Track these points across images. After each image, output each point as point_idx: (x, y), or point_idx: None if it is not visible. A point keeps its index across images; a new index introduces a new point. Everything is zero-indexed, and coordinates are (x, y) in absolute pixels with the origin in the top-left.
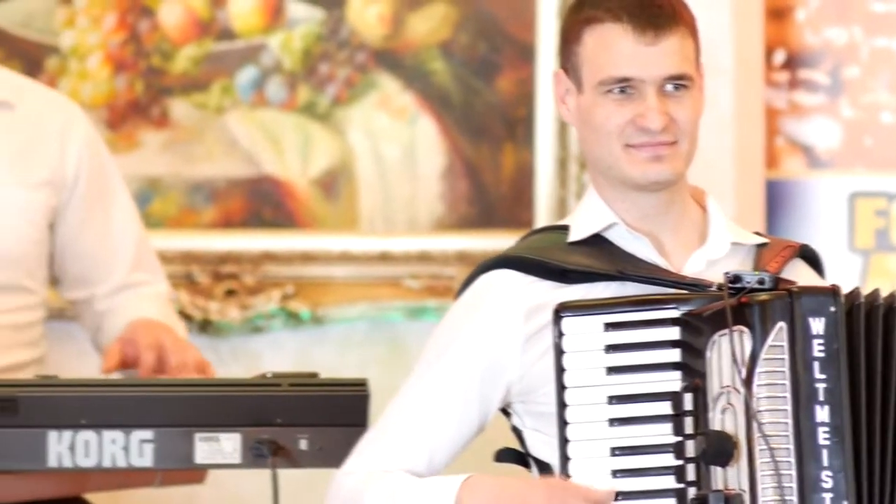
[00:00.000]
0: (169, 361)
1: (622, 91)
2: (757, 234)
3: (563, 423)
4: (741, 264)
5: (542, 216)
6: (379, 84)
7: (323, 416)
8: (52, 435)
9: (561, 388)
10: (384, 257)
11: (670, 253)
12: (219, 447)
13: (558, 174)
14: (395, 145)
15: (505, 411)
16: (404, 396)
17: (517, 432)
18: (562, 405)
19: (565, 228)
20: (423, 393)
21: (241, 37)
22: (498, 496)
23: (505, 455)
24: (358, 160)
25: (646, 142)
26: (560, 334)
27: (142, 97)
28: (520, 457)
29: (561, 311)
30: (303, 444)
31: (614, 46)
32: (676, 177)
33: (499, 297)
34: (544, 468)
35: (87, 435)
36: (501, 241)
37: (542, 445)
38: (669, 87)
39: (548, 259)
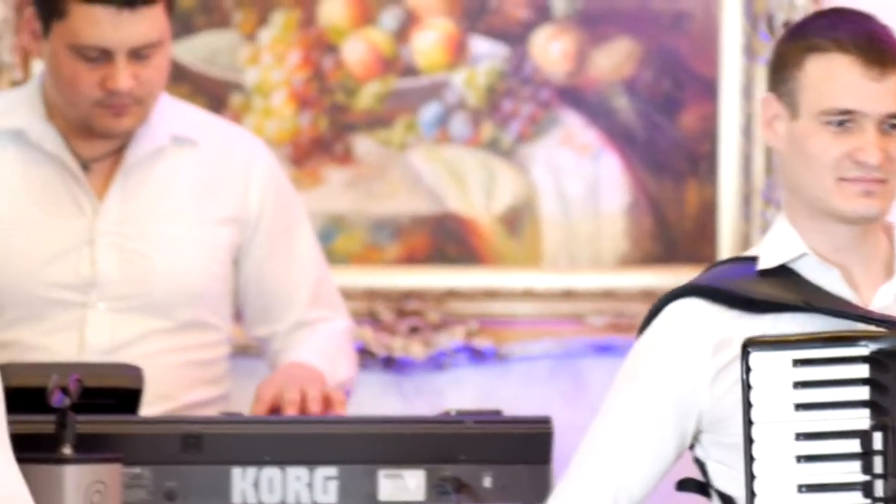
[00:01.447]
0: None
1: (841, 124)
2: None
3: (749, 459)
4: None
5: (726, 252)
6: (562, 120)
7: (507, 454)
8: (237, 471)
9: (748, 423)
10: (568, 294)
11: (859, 286)
12: (403, 484)
13: (742, 210)
14: (579, 181)
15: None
16: (598, 432)
17: (700, 463)
18: (749, 440)
19: (752, 259)
20: (617, 427)
21: (424, 73)
22: None
23: (687, 485)
24: (541, 196)
25: (860, 176)
26: (748, 369)
27: (325, 134)
28: (701, 487)
29: (749, 346)
30: (486, 482)
31: (840, 78)
32: (882, 214)
33: (687, 327)
34: (727, 501)
35: (271, 472)
36: (685, 277)
37: (726, 478)
38: (887, 125)
39: (735, 289)
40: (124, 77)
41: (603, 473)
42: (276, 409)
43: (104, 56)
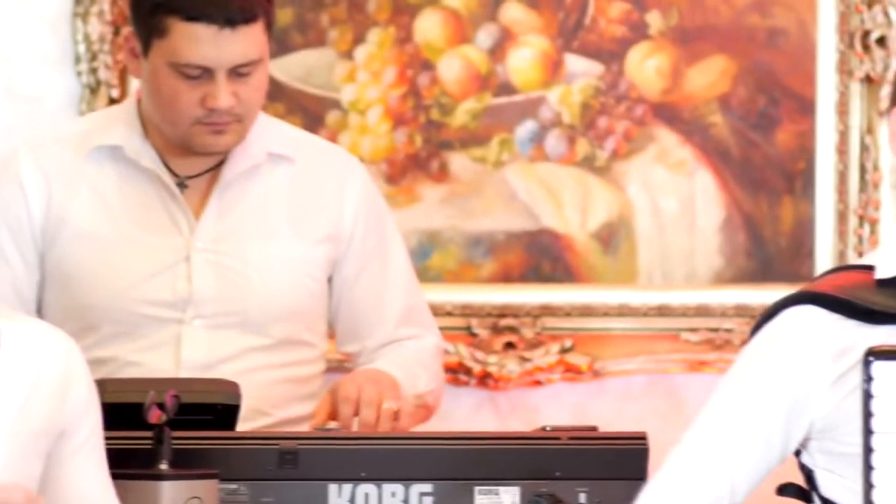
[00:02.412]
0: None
1: None
2: None
3: (868, 468)
4: None
5: (821, 270)
6: (657, 137)
7: (602, 470)
8: (332, 488)
9: (868, 432)
10: (662, 310)
11: None
12: (498, 500)
13: (837, 227)
14: (674, 199)
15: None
16: (702, 427)
17: (806, 470)
18: (868, 450)
19: (867, 268)
20: (723, 424)
21: (520, 91)
22: None
23: (788, 490)
24: (636, 213)
25: None
26: (869, 378)
27: (421, 151)
28: (803, 493)
29: (872, 355)
30: (582, 498)
31: None
32: None
33: (805, 334)
34: None
35: (367, 488)
36: (780, 294)
37: (836, 486)
38: None
39: (854, 298)
40: (225, 95)
41: (718, 459)
42: (334, 416)
43: (205, 74)
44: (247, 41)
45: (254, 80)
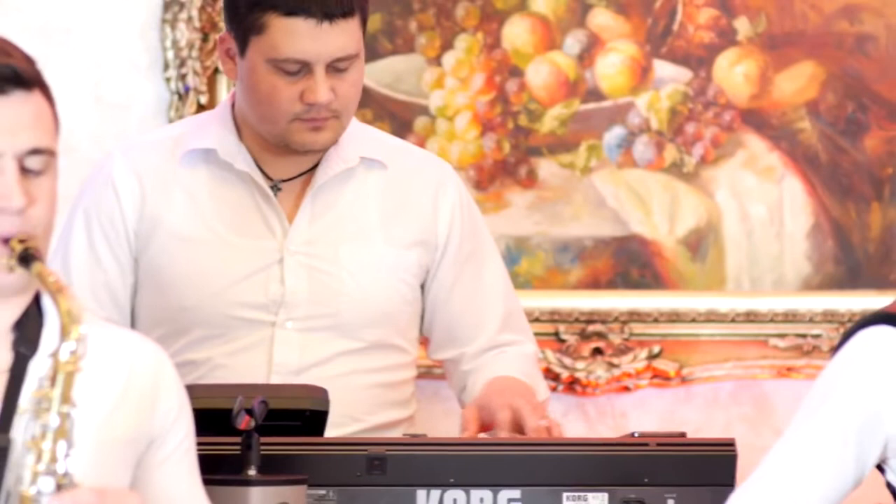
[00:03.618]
0: (525, 424)
1: None
2: None
3: None
4: None
5: None
6: (746, 143)
7: (690, 476)
8: (421, 493)
9: None
10: (750, 316)
11: None
12: None
13: None
14: (762, 205)
15: (880, 467)
16: (777, 453)
17: (892, 489)
18: None
19: None
20: (796, 449)
21: (608, 97)
22: None
23: None
24: (724, 219)
25: None
26: None
27: (509, 157)
28: None
29: None
30: None
31: None
32: None
33: (879, 354)
34: None
35: (456, 493)
36: (868, 300)
37: None
38: None
39: None
40: (323, 89)
41: (786, 491)
42: (484, 429)
43: (303, 69)
44: (344, 35)
45: (351, 75)
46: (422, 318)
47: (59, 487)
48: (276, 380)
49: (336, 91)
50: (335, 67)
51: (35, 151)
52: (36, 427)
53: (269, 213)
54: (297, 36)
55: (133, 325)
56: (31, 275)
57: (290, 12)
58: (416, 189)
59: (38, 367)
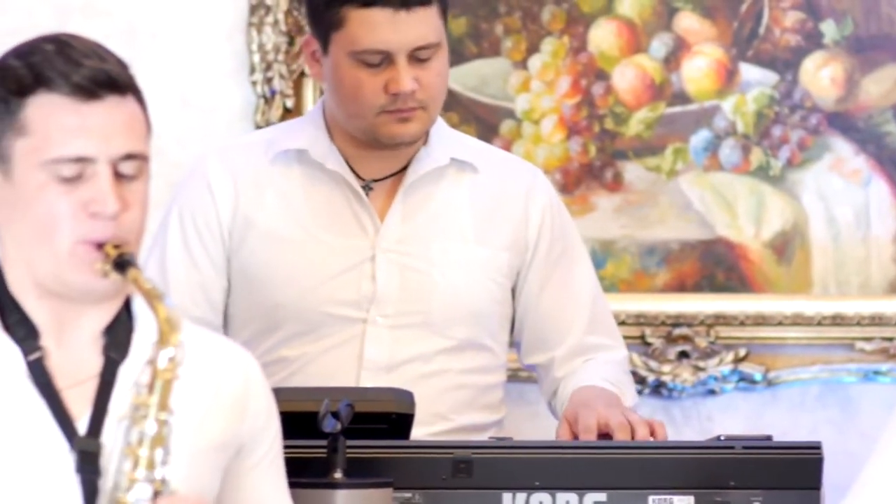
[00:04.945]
0: (611, 425)
1: None
2: None
3: None
4: None
5: None
6: (832, 146)
7: (777, 479)
8: (506, 497)
9: None
10: (837, 320)
11: None
12: None
13: None
14: (848, 208)
15: None
16: (879, 461)
17: None
18: None
19: None
20: (887, 461)
21: (694, 100)
22: None
23: None
24: (810, 222)
25: None
26: None
27: (595, 160)
28: None
29: None
30: None
31: None
32: None
33: None
34: None
35: (541, 497)
36: None
37: None
38: None
39: None
40: (407, 79)
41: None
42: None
43: (385, 60)
44: (423, 23)
45: (434, 65)
46: (512, 322)
47: (156, 494)
48: (365, 376)
49: (420, 81)
50: (417, 57)
51: (129, 156)
52: (133, 434)
53: (361, 212)
54: (376, 26)
55: (226, 323)
56: (127, 281)
57: (367, 3)
58: (506, 192)
59: (128, 372)
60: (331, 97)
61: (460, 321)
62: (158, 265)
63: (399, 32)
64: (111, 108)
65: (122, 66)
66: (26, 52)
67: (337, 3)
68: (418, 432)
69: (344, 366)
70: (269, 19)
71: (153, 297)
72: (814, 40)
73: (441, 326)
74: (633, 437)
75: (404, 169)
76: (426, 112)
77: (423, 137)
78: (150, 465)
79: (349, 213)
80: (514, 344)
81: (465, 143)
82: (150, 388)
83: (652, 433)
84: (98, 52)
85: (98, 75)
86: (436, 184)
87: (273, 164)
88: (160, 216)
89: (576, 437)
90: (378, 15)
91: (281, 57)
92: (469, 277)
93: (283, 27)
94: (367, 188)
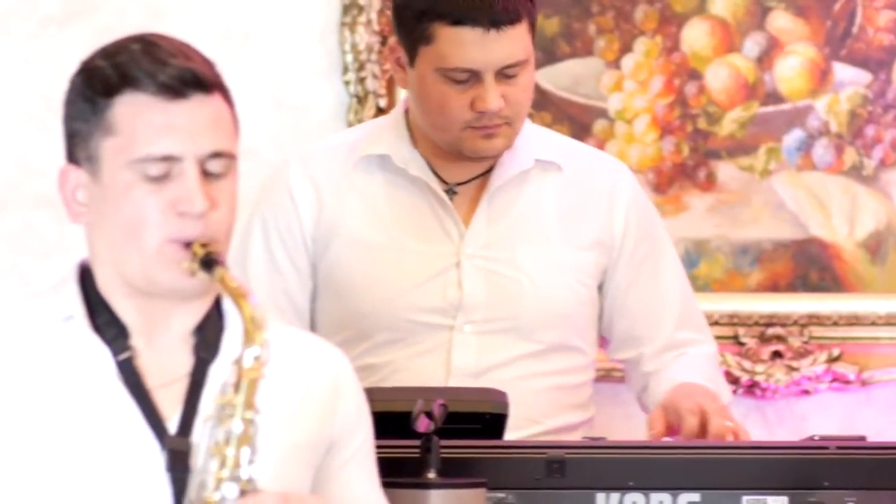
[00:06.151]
0: (710, 428)
1: None
2: None
3: None
4: None
5: None
6: None
7: (871, 480)
8: (600, 497)
9: None
10: None
11: None
12: None
13: None
14: None
15: None
16: None
17: None
18: None
19: None
20: None
21: (787, 100)
22: None
23: None
24: None
25: None
26: None
27: (688, 160)
28: None
29: None
30: None
31: None
32: None
33: None
34: None
35: (635, 497)
36: None
37: None
38: None
39: None
40: (493, 97)
41: None
42: (671, 432)
43: (472, 78)
44: (512, 42)
45: (521, 81)
46: (600, 319)
47: (243, 493)
48: (454, 383)
49: (507, 97)
50: (504, 74)
51: (216, 155)
52: (220, 433)
53: (445, 218)
54: (465, 45)
55: (313, 330)
56: (214, 280)
57: (457, 21)
58: (591, 190)
59: (218, 372)
60: (415, 107)
61: (548, 325)
62: (241, 271)
63: (488, 52)
64: (197, 107)
65: (209, 64)
66: (112, 52)
67: (427, 18)
68: (510, 437)
69: (432, 373)
70: (362, 19)
71: (239, 296)
72: None
73: (529, 331)
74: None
75: (488, 171)
76: (511, 127)
77: None
78: (237, 465)
79: (433, 218)
80: (601, 340)
81: (549, 141)
82: (236, 387)
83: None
84: (184, 50)
85: (184, 74)
86: (520, 186)
87: (356, 169)
88: (249, 214)
89: (670, 427)
90: (468, 34)
91: (374, 57)
92: (556, 280)
93: (375, 27)
94: (450, 192)
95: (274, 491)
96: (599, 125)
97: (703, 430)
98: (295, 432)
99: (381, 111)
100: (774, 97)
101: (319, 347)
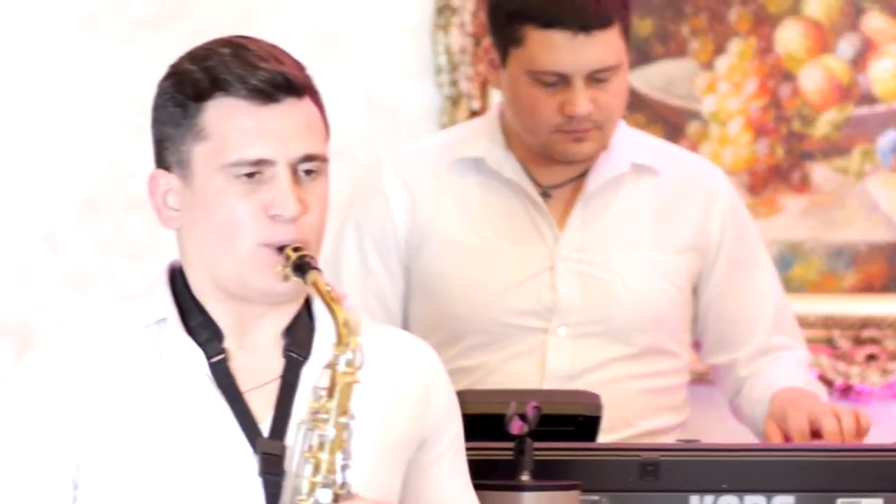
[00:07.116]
0: (823, 428)
1: None
2: None
3: None
4: None
5: None
6: None
7: None
8: (694, 499)
9: None
10: None
11: None
12: None
13: None
14: None
15: None
16: None
17: None
18: None
19: None
20: None
21: (882, 101)
22: None
23: None
24: None
25: None
26: None
27: (782, 162)
28: None
29: None
30: None
31: None
32: None
33: None
34: None
35: (729, 499)
36: None
37: None
38: None
39: None
40: (583, 101)
41: None
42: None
43: (562, 81)
44: (603, 46)
45: (612, 86)
46: (694, 322)
47: (337, 498)
48: (548, 386)
49: (597, 102)
50: (595, 78)
51: (307, 158)
52: (314, 438)
53: (540, 220)
54: (555, 48)
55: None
56: (307, 284)
57: (548, 24)
58: (687, 195)
59: (310, 374)
60: (507, 108)
61: (642, 328)
62: (333, 273)
63: (577, 55)
64: (288, 110)
65: (299, 67)
66: (202, 56)
67: (517, 20)
68: (604, 439)
69: (526, 375)
70: (456, 20)
71: (332, 301)
72: None
73: (623, 334)
74: (840, 427)
75: (583, 175)
76: (602, 131)
77: None
78: (331, 470)
79: (527, 221)
80: (694, 343)
81: (645, 145)
82: (330, 392)
83: (857, 421)
84: (274, 54)
85: (275, 78)
86: (615, 190)
87: (450, 172)
88: (342, 216)
89: (787, 437)
90: (557, 37)
91: (467, 59)
92: (650, 284)
93: (469, 29)
94: (544, 195)
95: (368, 498)
96: (693, 127)
97: (814, 433)
98: (388, 432)
99: (474, 114)
100: (869, 98)
101: (409, 344)
